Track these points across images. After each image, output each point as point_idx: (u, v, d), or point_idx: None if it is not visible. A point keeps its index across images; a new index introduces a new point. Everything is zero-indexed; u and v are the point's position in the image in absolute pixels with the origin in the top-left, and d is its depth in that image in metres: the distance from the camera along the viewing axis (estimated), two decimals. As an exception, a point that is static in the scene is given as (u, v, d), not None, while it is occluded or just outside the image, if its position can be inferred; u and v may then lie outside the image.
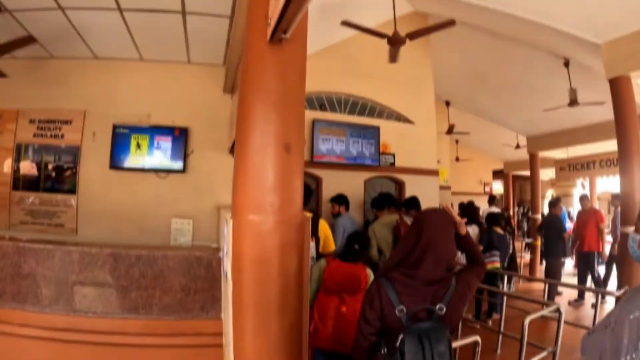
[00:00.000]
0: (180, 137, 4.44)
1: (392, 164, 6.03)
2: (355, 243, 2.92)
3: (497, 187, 17.01)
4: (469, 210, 5.55)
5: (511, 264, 5.48)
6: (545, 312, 3.00)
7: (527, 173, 13.14)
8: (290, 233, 1.42)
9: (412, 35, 4.24)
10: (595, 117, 7.26)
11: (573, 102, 6.31)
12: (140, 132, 4.43)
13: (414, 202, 5.27)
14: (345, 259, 2.76)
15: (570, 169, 8.53)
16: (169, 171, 4.42)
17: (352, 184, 5.71)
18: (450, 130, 8.66)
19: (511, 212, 13.19)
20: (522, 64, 6.91)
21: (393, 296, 1.42)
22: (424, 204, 5.47)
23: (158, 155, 4.36)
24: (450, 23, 4.23)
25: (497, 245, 5.08)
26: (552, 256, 6.08)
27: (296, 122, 1.50)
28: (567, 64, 6.24)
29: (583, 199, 6.53)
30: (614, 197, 6.36)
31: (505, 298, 3.96)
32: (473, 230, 5.38)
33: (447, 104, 9.26)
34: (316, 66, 5.80)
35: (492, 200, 8.55)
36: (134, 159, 4.38)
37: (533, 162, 8.91)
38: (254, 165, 1.40)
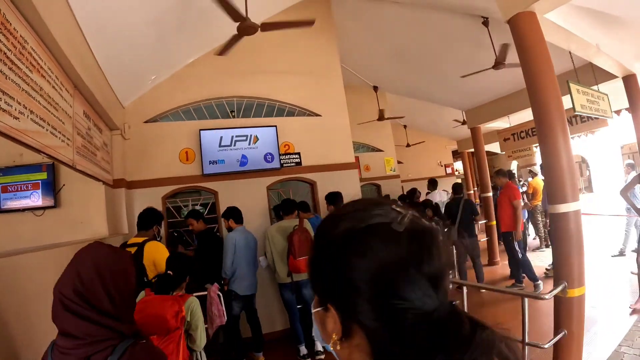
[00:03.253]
0: (48, 172, 3.94)
1: (298, 163, 5.31)
2: (169, 268, 2.47)
3: (460, 167, 16.41)
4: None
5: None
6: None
7: (489, 150, 12.65)
8: None
9: (266, 27, 3.72)
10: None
11: (498, 63, 5.67)
12: (10, 173, 3.93)
13: (332, 198, 4.64)
14: (158, 291, 2.32)
15: (514, 138, 7.91)
16: (44, 208, 3.92)
17: (253, 193, 5.03)
18: (381, 117, 7.96)
19: (472, 192, 12.65)
20: (441, 31, 6.24)
21: None
22: (344, 200, 4.83)
23: (31, 194, 3.93)
24: (309, 23, 4.05)
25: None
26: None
27: None
28: (486, 22, 5.60)
29: (496, 174, 5.98)
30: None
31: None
32: None
33: (375, 89, 8.60)
34: (197, 73, 5.06)
35: (432, 184, 7.71)
36: (6, 200, 3.92)
37: (476, 137, 8.25)
38: None
